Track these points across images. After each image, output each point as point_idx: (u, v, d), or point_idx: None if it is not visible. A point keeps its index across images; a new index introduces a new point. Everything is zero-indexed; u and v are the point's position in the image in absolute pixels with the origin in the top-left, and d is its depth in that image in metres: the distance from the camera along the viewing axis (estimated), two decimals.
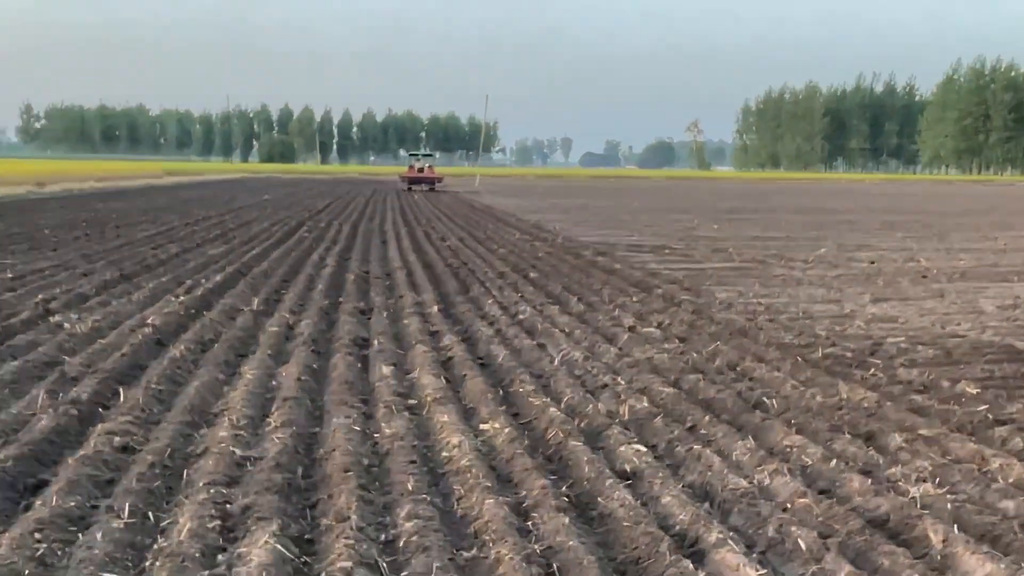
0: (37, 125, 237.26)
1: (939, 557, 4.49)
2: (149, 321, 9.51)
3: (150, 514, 4.69)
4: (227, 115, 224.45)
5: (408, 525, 4.45)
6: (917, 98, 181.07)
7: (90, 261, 15.28)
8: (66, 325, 9.46)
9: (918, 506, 4.99)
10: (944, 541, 4.56)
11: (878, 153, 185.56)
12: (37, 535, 4.36)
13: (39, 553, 4.23)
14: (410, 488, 4.95)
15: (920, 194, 60.83)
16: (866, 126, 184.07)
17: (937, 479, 5.50)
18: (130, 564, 4.15)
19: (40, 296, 11.25)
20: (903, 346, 9.53)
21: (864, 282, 14.97)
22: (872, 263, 17.77)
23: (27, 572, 4.02)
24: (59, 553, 4.19)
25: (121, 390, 7.01)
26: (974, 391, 7.59)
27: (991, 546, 4.52)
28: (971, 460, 5.88)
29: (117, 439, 5.79)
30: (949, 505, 5.05)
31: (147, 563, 4.06)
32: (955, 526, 4.72)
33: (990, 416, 6.79)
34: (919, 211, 40.12)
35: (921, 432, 6.38)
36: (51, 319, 9.87)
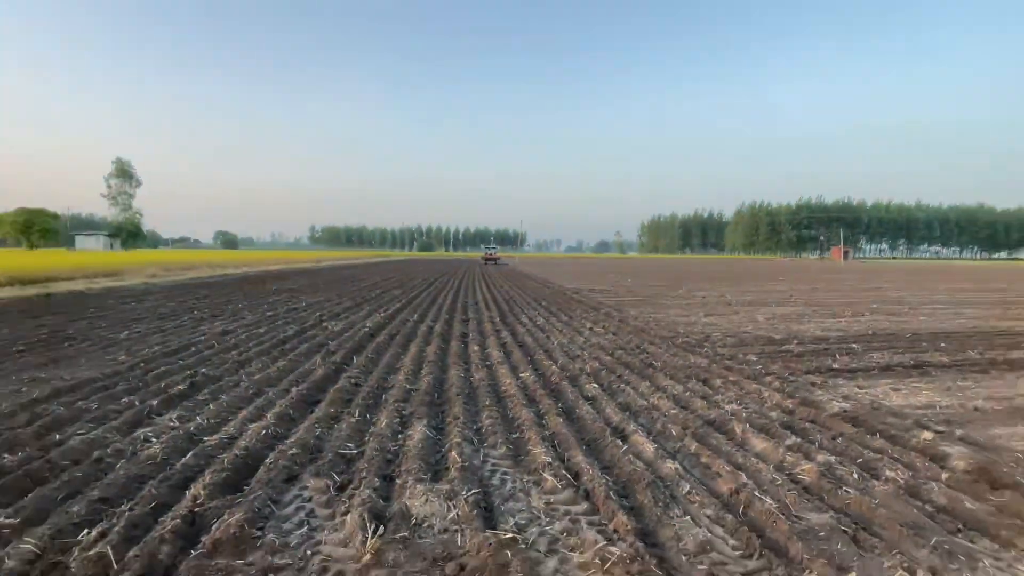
0: (317, 235, 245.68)
1: (739, 439, 4.42)
2: (367, 325, 9.57)
3: (367, 415, 4.71)
4: (403, 229, 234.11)
5: (487, 421, 4.45)
6: (724, 219, 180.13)
7: (340, 297, 15.40)
8: (328, 327, 9.54)
9: (730, 415, 4.92)
10: (743, 432, 4.49)
11: (706, 245, 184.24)
12: (317, 426, 4.41)
13: (318, 433, 4.27)
14: (487, 404, 4.96)
15: (722, 266, 59.55)
16: (699, 232, 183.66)
17: (738, 401, 5.41)
18: (357, 440, 4.17)
19: (317, 313, 11.37)
20: (718, 337, 9.37)
21: (700, 306, 14.71)
22: (704, 297, 17.46)
23: (311, 440, 4.05)
24: (327, 433, 4.23)
25: (354, 357, 7.07)
26: (755, 358, 7.47)
27: (765, 434, 4.43)
28: (755, 392, 5.77)
29: (352, 381, 5.83)
30: (744, 414, 4.97)
31: (366, 440, 4.09)
32: (747, 424, 4.64)
33: (762, 370, 6.68)
34: (725, 273, 39.35)
35: (730, 378, 6.29)
36: (323, 324, 9.96)
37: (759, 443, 4.24)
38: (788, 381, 6.21)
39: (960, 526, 3.08)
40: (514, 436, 4.23)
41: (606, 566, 2.53)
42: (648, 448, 3.95)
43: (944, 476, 3.68)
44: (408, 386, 5.60)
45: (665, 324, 10.82)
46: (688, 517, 3.04)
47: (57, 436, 4.10)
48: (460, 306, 13.23)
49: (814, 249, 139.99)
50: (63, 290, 15.82)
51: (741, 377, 6.37)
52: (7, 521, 2.95)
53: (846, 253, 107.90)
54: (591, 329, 9.68)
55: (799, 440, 4.29)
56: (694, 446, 4.07)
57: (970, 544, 2.91)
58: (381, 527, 2.88)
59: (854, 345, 8.66)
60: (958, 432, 4.61)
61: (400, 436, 4.16)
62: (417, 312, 11.89)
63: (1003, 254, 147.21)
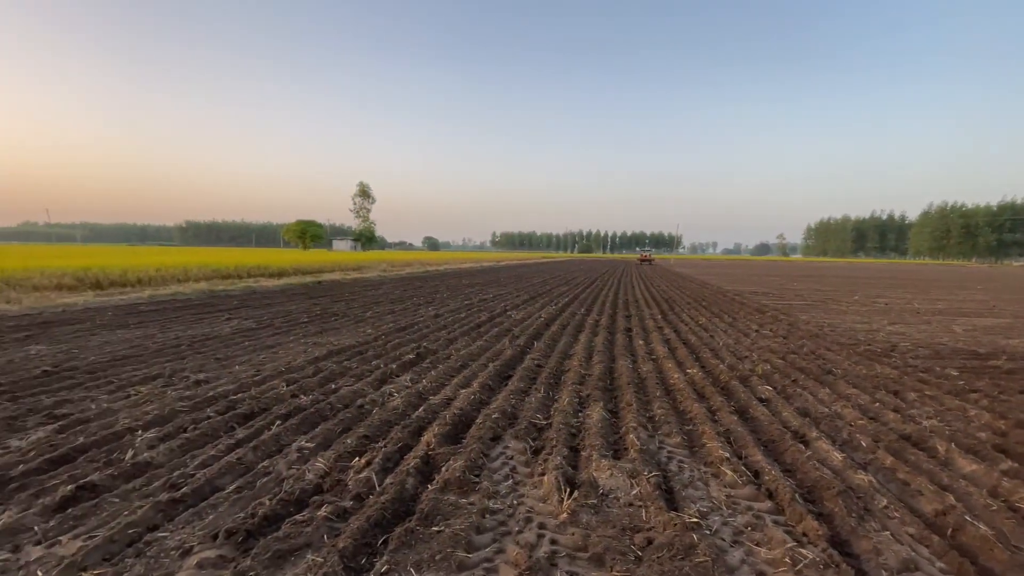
0: (496, 239, 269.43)
1: (943, 458, 3.68)
2: (542, 315, 9.88)
3: (550, 393, 4.86)
4: (567, 234, 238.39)
5: (659, 411, 4.31)
6: (906, 221, 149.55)
7: (518, 291, 16.12)
8: (511, 315, 10.05)
9: (929, 431, 4.10)
10: (946, 451, 3.72)
11: (884, 249, 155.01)
12: (512, 397, 4.67)
13: (512, 403, 4.51)
14: (657, 395, 4.80)
15: (904, 271, 49.82)
16: (877, 235, 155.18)
17: (938, 417, 4.49)
18: (545, 413, 4.32)
19: (502, 304, 12.07)
20: (908, 347, 7.89)
21: (882, 313, 12.52)
22: (886, 304, 14.80)
23: (508, 408, 4.30)
24: (520, 403, 4.45)
25: (534, 343, 7.34)
26: (955, 373, 6.13)
27: (974, 455, 3.63)
28: (957, 409, 4.74)
29: (535, 362, 6.07)
30: (947, 431, 4.11)
31: (552, 414, 4.22)
32: (951, 443, 3.85)
33: (965, 386, 5.45)
34: (908, 278, 32.79)
35: (926, 392, 5.27)
36: (507, 312, 10.52)
37: (967, 464, 3.47)
38: (998, 400, 4.98)
39: None
40: (687, 428, 4.04)
41: (797, 567, 2.29)
42: (835, 456, 3.48)
43: None
44: (583, 371, 5.67)
45: (842, 330, 9.39)
46: (887, 532, 2.62)
47: (332, 385, 4.97)
48: (621, 303, 12.99)
49: (1020, 255, 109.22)
50: (327, 279, 19.15)
51: (940, 392, 5.27)
52: (306, 444, 3.67)
53: None
54: (758, 331, 8.79)
55: (1016, 465, 3.43)
56: (889, 460, 3.48)
57: None
58: (574, 491, 2.97)
59: None
60: None
61: (580, 414, 4.24)
62: (584, 306, 11.95)
63: None
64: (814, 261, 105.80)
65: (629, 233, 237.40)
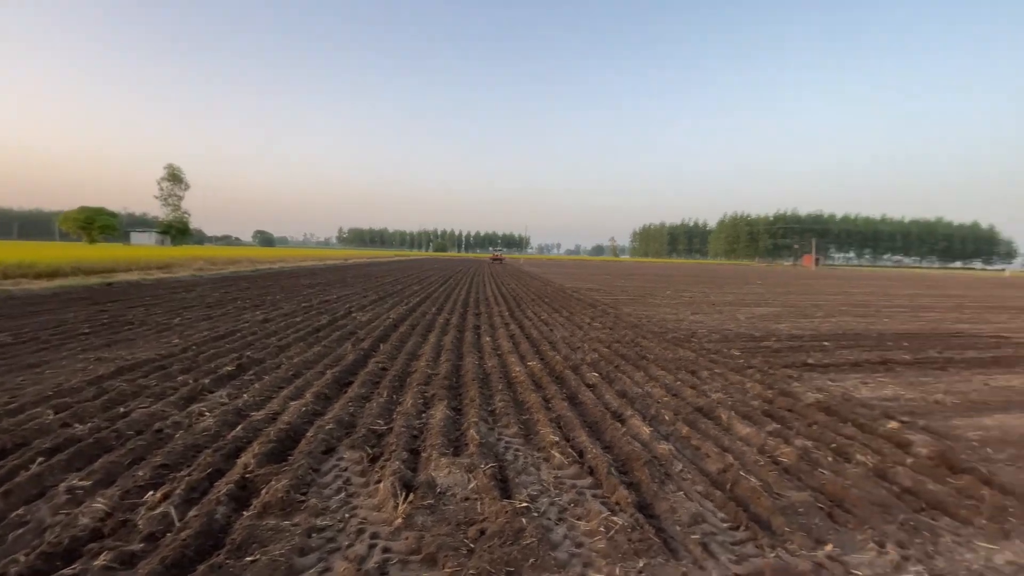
0: (344, 235, 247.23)
1: (726, 425, 4.38)
2: (391, 316, 9.58)
3: (394, 396, 4.72)
4: (421, 232, 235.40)
5: (500, 404, 4.45)
6: (707, 228, 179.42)
7: (366, 291, 15.40)
8: (357, 317, 9.56)
9: (716, 403, 4.89)
10: (728, 418, 4.45)
11: (691, 251, 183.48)
12: (350, 404, 4.43)
13: (351, 411, 4.30)
14: (499, 389, 4.96)
15: (705, 270, 59.24)
16: (685, 239, 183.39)
17: (724, 391, 5.38)
18: (387, 418, 4.19)
19: (347, 305, 11.40)
20: (704, 333, 9.34)
21: (687, 305, 14.67)
22: (690, 298, 17.38)
23: (346, 417, 4.08)
24: (359, 411, 4.24)
25: (380, 345, 7.08)
26: (738, 353, 7.46)
27: (749, 420, 4.38)
28: (738, 383, 5.76)
29: (379, 366, 5.84)
30: (729, 402, 4.94)
31: (394, 418, 4.10)
32: (732, 411, 4.61)
33: (744, 363, 6.67)
34: (708, 276, 39.08)
35: (715, 370, 6.29)
36: (351, 315, 9.97)
37: (743, 428, 4.24)
38: (768, 374, 6.20)
39: (924, 505, 3.08)
40: (524, 418, 4.24)
41: (610, 534, 2.55)
42: (644, 430, 3.97)
43: (909, 461, 3.68)
44: (429, 371, 5.61)
45: (656, 321, 10.81)
46: (682, 492, 3.06)
47: (121, 409, 4.15)
48: (472, 301, 13.24)
49: (788, 256, 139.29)
50: (121, 280, 15.92)
51: (726, 369, 6.36)
52: (80, 483, 3.00)
53: (817, 260, 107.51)
54: (590, 324, 9.67)
55: (779, 427, 4.29)
56: (685, 430, 4.08)
57: (932, 521, 2.91)
58: (411, 494, 2.91)
59: (826, 343, 8.63)
60: (920, 422, 4.60)
61: (424, 415, 4.18)
62: (435, 305, 11.90)
63: (958, 263, 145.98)
64: (638, 261, 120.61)
65: (483, 233, 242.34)
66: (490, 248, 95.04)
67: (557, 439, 3.61)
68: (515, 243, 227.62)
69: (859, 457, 3.69)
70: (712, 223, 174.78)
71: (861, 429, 4.35)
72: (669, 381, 5.64)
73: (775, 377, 6.05)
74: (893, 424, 4.42)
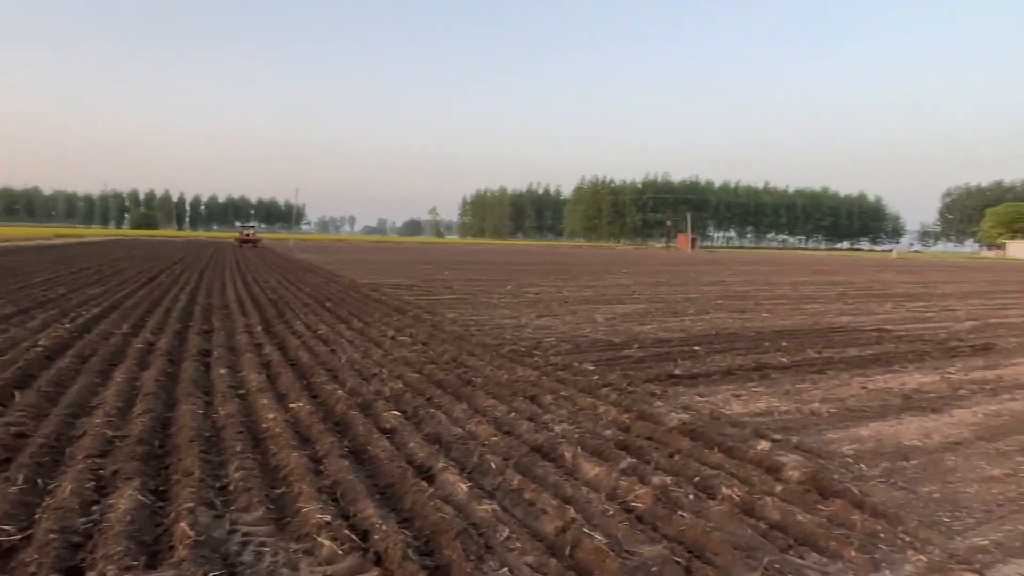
0: None
1: (570, 466, 4.76)
2: (41, 342, 8.32)
3: (40, 482, 4.11)
4: (104, 195, 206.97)
5: (237, 475, 4.19)
6: (562, 197, 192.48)
7: None
8: None
9: (560, 437, 5.27)
10: (573, 457, 4.84)
11: (541, 229, 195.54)
12: None
13: None
14: (238, 450, 4.67)
15: (560, 254, 64.02)
16: (534, 213, 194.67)
17: (570, 420, 5.83)
18: (24, 519, 3.65)
19: None
20: (552, 343, 10.01)
21: (532, 305, 15.58)
22: (537, 294, 18.48)
23: None
24: None
25: (15, 394, 6.08)
26: (592, 367, 8.14)
27: (599, 457, 4.81)
28: (589, 408, 6.29)
29: (12, 430, 5.02)
30: (576, 435, 5.37)
31: (36, 519, 3.57)
32: (579, 447, 5.02)
33: (598, 381, 7.30)
34: (563, 263, 42.12)
35: (562, 393, 6.76)
36: None
37: (591, 469, 4.63)
38: (626, 393, 6.88)
39: (791, 542, 3.70)
40: (278, 492, 4.04)
41: None
42: (461, 488, 4.07)
43: (778, 489, 4.40)
44: (110, 433, 5.00)
45: (489, 328, 11.26)
46: (505, 569, 3.21)
47: None
48: (200, 311, 12.22)
49: (660, 235, 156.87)
50: None
51: (575, 391, 6.88)
52: None
53: (693, 241, 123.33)
54: (394, 338, 9.65)
55: (635, 461, 4.78)
56: (516, 480, 4.29)
57: (799, 560, 3.51)
58: None
59: (697, 348, 9.91)
60: (794, 440, 5.55)
61: (96, 508, 3.72)
62: (129, 320, 10.68)
63: (846, 244, 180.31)
64: (471, 243, 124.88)
65: (223, 199, 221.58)
66: (237, 224, 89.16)
67: (328, 519, 3.50)
68: (281, 216, 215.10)
69: (724, 490, 4.29)
70: (568, 190, 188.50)
71: (729, 454, 5.07)
72: (501, 413, 5.90)
73: (635, 396, 6.74)
74: (764, 444, 5.25)
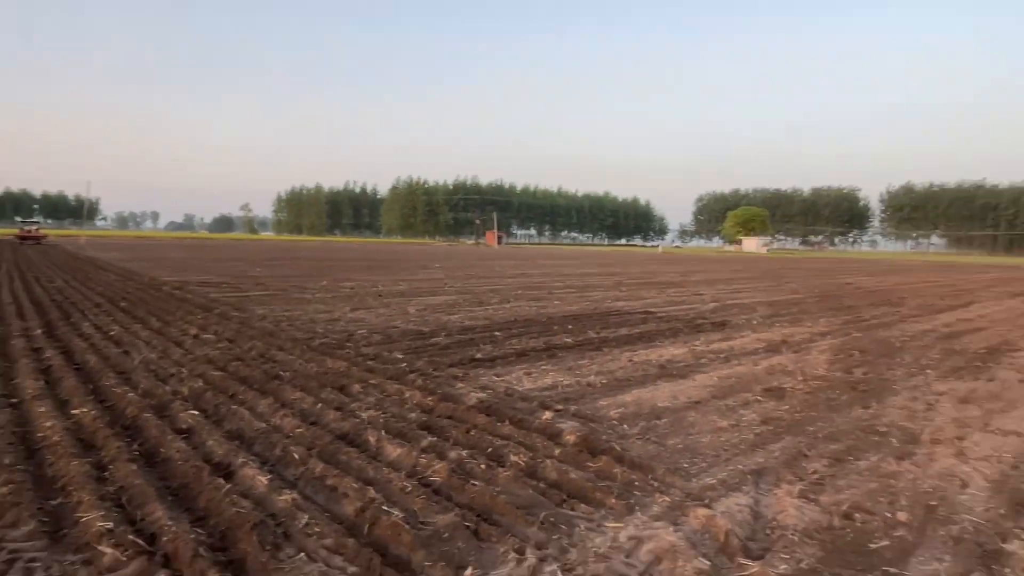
0: None
1: (374, 450, 4.70)
2: None
3: None
4: None
5: (3, 489, 3.61)
6: (379, 196, 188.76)
7: None
8: None
9: (366, 423, 5.18)
10: (378, 441, 4.78)
11: (359, 226, 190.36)
12: None
13: None
14: (6, 463, 4.02)
15: (377, 250, 63.01)
16: (351, 211, 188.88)
17: (377, 407, 5.75)
18: None
19: None
20: (364, 334, 9.81)
21: (346, 299, 15.15)
22: (352, 288, 17.96)
23: None
24: None
25: None
26: (401, 356, 8.08)
27: (402, 439, 4.79)
28: (396, 394, 6.25)
29: None
30: (382, 420, 5.31)
31: None
32: (383, 431, 4.97)
33: (406, 368, 7.27)
34: (380, 258, 41.41)
35: (371, 382, 6.65)
36: None
37: (394, 450, 4.59)
38: (432, 377, 6.92)
39: (565, 497, 3.95)
40: (53, 504, 3.55)
41: None
42: (261, 482, 3.84)
43: (557, 452, 4.68)
44: None
45: (302, 323, 10.75)
46: (303, 554, 3.09)
47: None
48: None
49: (471, 233, 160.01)
50: None
51: (383, 379, 6.79)
52: None
53: (500, 238, 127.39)
54: (196, 337, 8.85)
55: (435, 439, 4.83)
56: (320, 467, 4.14)
57: (570, 512, 3.75)
58: None
59: (497, 333, 10.23)
60: (572, 408, 5.94)
61: None
62: None
63: (623, 240, 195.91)
64: (287, 240, 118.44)
65: (16, 190, 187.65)
66: (17, 219, 77.37)
67: (111, 526, 3.13)
68: (72, 211, 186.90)
69: (512, 458, 4.47)
70: (384, 190, 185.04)
71: (519, 426, 5.30)
72: (308, 405, 5.66)
73: (439, 380, 6.80)
74: (548, 415, 5.55)
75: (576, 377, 7.32)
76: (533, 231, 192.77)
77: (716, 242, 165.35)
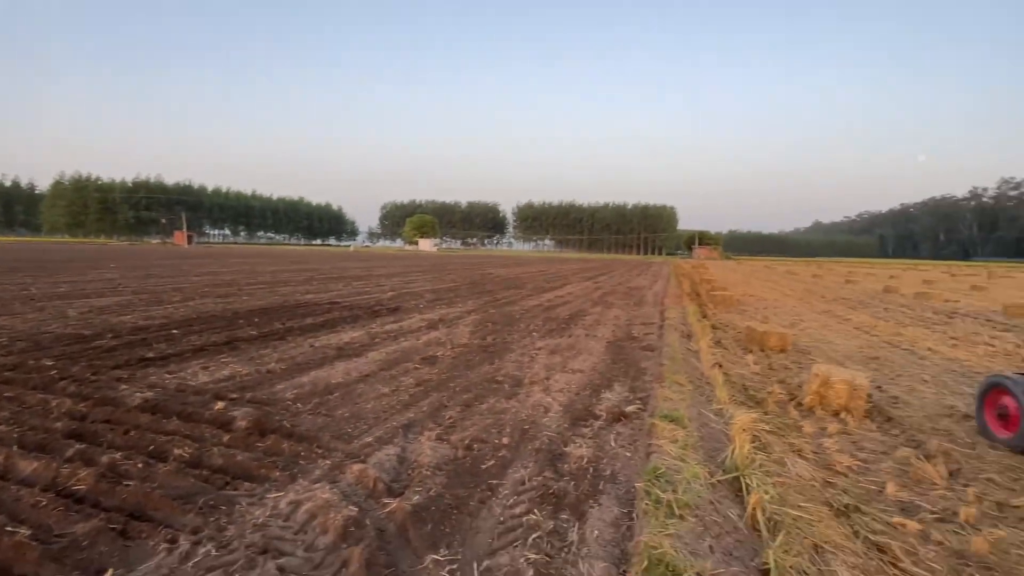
0: None
1: (2, 468, 3.67)
2: None
3: None
4: None
5: None
6: (37, 191, 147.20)
7: None
8: None
9: None
10: (5, 459, 3.76)
11: (12, 225, 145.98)
12: None
13: None
14: None
15: (40, 251, 49.88)
16: (2, 207, 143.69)
17: (12, 421, 4.50)
18: None
19: None
20: (6, 343, 7.60)
21: None
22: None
23: None
24: None
25: None
26: (51, 363, 6.45)
27: (41, 451, 3.87)
28: (39, 405, 4.99)
29: None
30: (16, 434, 4.19)
31: None
32: (15, 446, 3.93)
33: (56, 375, 5.84)
34: (35, 259, 32.43)
35: (6, 394, 5.16)
36: None
37: (29, 465, 3.64)
38: (88, 382, 5.66)
39: (229, 479, 3.61)
40: None
41: None
42: None
43: (226, 438, 4.25)
44: None
45: None
46: None
47: None
48: None
49: (156, 232, 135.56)
50: None
51: (24, 389, 5.34)
52: None
53: (190, 237, 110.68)
54: None
55: (85, 447, 3.96)
56: None
57: (234, 491, 3.45)
58: None
59: (175, 331, 8.84)
60: (248, 395, 5.45)
61: None
62: None
63: (318, 240, 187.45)
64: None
65: None
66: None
67: None
68: None
69: (176, 451, 3.92)
70: (44, 185, 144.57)
71: (187, 420, 4.66)
72: None
73: (98, 384, 5.59)
74: (220, 404, 5.00)
75: (256, 366, 6.73)
76: (228, 231, 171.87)
77: (398, 243, 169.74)
